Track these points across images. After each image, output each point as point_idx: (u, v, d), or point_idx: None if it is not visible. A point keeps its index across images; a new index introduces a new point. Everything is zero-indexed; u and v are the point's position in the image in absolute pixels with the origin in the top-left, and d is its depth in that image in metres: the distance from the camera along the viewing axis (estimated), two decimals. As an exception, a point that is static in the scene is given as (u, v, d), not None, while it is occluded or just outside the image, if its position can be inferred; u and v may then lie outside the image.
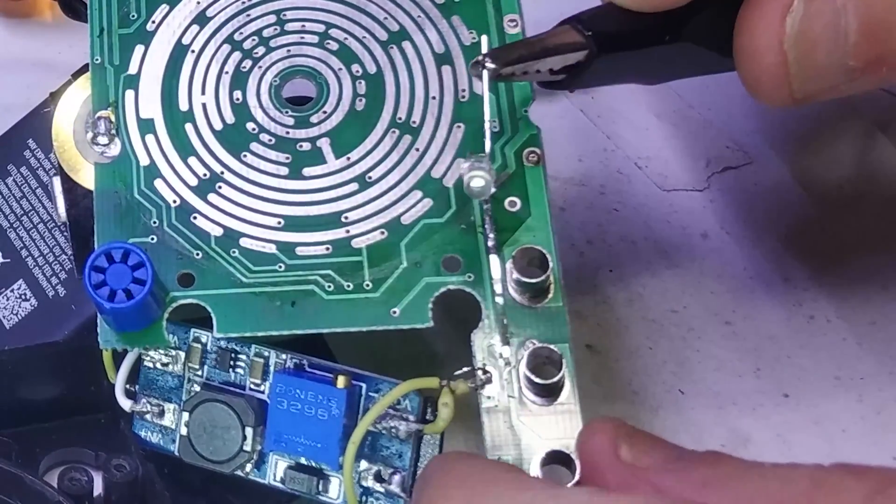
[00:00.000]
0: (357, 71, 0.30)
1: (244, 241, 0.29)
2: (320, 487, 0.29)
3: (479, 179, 0.27)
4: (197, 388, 0.30)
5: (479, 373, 0.27)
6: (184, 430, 0.30)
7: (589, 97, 0.45)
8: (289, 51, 0.31)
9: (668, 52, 0.29)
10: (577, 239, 0.41)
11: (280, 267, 0.28)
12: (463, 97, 0.29)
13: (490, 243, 0.27)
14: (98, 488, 0.30)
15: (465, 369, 0.27)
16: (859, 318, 0.40)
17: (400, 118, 0.29)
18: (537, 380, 0.26)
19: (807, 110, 0.46)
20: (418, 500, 0.23)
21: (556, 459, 0.26)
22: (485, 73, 0.27)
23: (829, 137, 0.46)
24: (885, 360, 0.38)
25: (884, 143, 0.45)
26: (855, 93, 0.28)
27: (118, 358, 0.30)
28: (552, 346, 0.27)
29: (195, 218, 0.29)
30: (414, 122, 0.29)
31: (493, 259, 0.27)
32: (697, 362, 0.38)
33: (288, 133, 0.30)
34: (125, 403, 0.30)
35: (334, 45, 0.30)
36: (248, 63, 0.30)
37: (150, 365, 0.30)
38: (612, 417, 0.24)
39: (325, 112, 0.30)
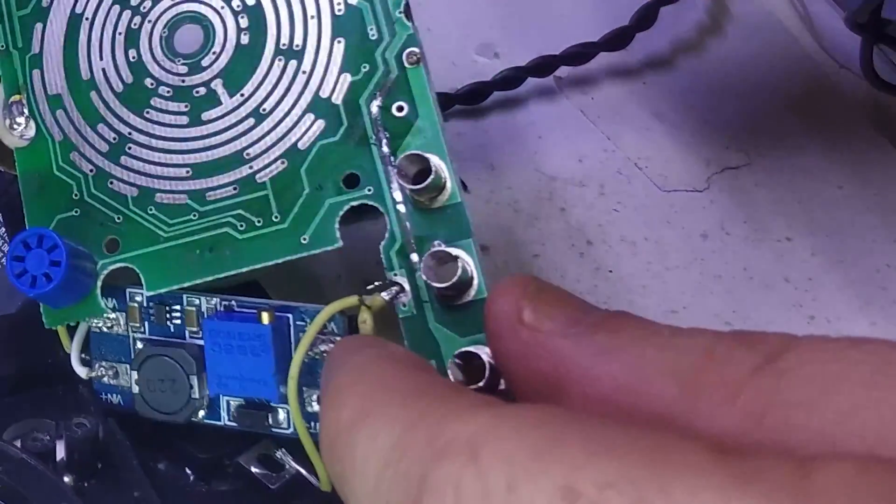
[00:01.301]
0: (237, 5, 0.29)
1: (158, 197, 0.28)
2: (270, 420, 0.29)
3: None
4: (140, 345, 0.30)
5: (392, 284, 0.26)
6: (136, 388, 0.29)
7: (589, 98, 0.44)
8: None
9: None
10: (577, 239, 0.40)
11: (194, 216, 0.28)
12: (339, 10, 0.28)
13: (385, 152, 0.27)
14: (61, 450, 0.30)
15: (377, 283, 0.26)
16: (859, 318, 0.38)
17: (283, 44, 0.28)
18: (438, 285, 0.25)
19: (806, 111, 0.45)
20: (322, 394, 0.21)
21: (466, 360, 0.24)
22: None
23: (829, 137, 0.44)
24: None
25: (884, 143, 0.44)
26: None
27: (72, 328, 0.30)
28: (446, 248, 0.26)
29: (111, 183, 0.29)
30: (297, 46, 0.28)
31: (391, 169, 0.27)
32: (697, 362, 0.37)
33: (183, 81, 0.29)
34: (81, 371, 0.30)
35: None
36: (137, 20, 0.30)
37: (97, 329, 0.30)
38: (523, 275, 0.21)
39: (214, 53, 0.29)
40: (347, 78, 0.27)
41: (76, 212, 0.29)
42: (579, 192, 0.42)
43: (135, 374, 0.29)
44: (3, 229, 0.34)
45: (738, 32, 0.50)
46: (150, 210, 0.28)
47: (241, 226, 0.28)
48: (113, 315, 0.30)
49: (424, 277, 0.25)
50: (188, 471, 0.30)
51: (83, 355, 0.30)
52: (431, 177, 0.26)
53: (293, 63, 0.28)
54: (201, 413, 0.29)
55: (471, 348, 0.24)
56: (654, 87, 0.46)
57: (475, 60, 0.47)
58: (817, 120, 0.45)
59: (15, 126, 0.30)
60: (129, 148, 0.29)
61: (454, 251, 0.26)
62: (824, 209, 0.42)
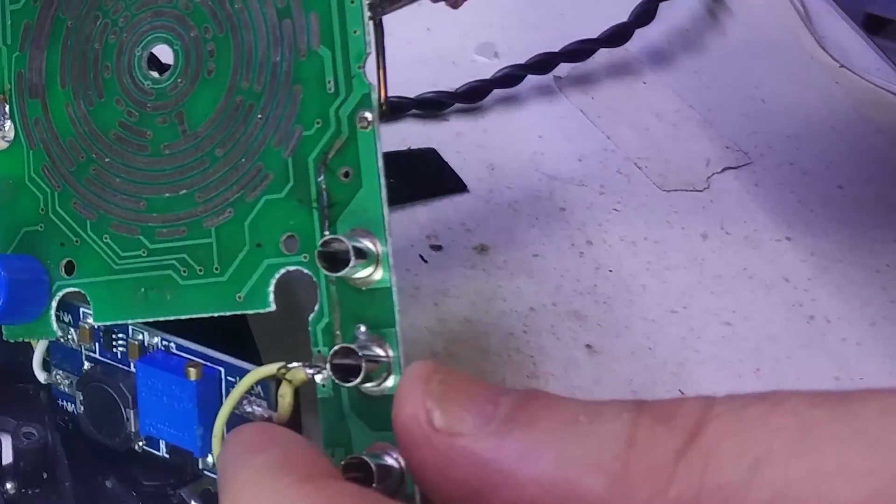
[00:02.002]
0: (208, 33, 0.27)
1: (114, 226, 0.27)
2: (200, 464, 0.28)
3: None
4: (88, 365, 0.29)
5: (317, 362, 0.24)
6: (80, 408, 0.29)
7: (589, 97, 0.44)
8: (150, 16, 0.28)
9: None
10: (577, 239, 0.40)
11: (143, 252, 0.27)
12: (302, 55, 0.25)
13: (324, 220, 0.25)
14: (8, 454, 0.29)
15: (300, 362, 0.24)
16: (859, 318, 0.38)
17: (244, 84, 0.26)
18: (342, 384, 0.23)
19: (806, 111, 0.45)
20: (220, 495, 0.20)
21: (354, 468, 0.22)
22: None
23: (829, 137, 0.44)
24: (885, 360, 0.36)
25: (883, 142, 0.43)
26: None
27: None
28: (352, 345, 0.23)
29: (75, 204, 0.27)
30: (257, 88, 0.26)
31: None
32: (697, 362, 0.36)
33: (149, 107, 0.27)
34: (41, 376, 0.30)
35: (189, 6, 0.27)
36: (115, 32, 0.28)
37: (55, 340, 0.29)
38: (424, 367, 0.19)
39: (180, 81, 0.27)
40: (300, 131, 0.25)
41: (41, 227, 0.28)
42: (579, 191, 0.41)
43: (79, 395, 0.28)
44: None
45: (738, 31, 0.49)
46: (106, 238, 0.27)
47: (184, 271, 0.26)
48: (68, 330, 0.29)
49: (330, 374, 0.23)
50: (133, 493, 0.29)
51: (47, 358, 0.30)
52: (347, 269, 0.23)
53: (251, 105, 0.26)
54: (140, 443, 0.28)
55: (367, 453, 0.22)
56: (653, 86, 0.46)
57: (475, 60, 0.46)
58: (817, 120, 0.44)
59: (-4, 127, 0.27)
60: (94, 169, 0.27)
61: (369, 347, 0.23)
62: (824, 209, 0.41)
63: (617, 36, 0.46)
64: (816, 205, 0.41)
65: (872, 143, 0.44)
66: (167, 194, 0.27)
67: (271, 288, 0.25)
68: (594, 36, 0.45)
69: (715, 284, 0.38)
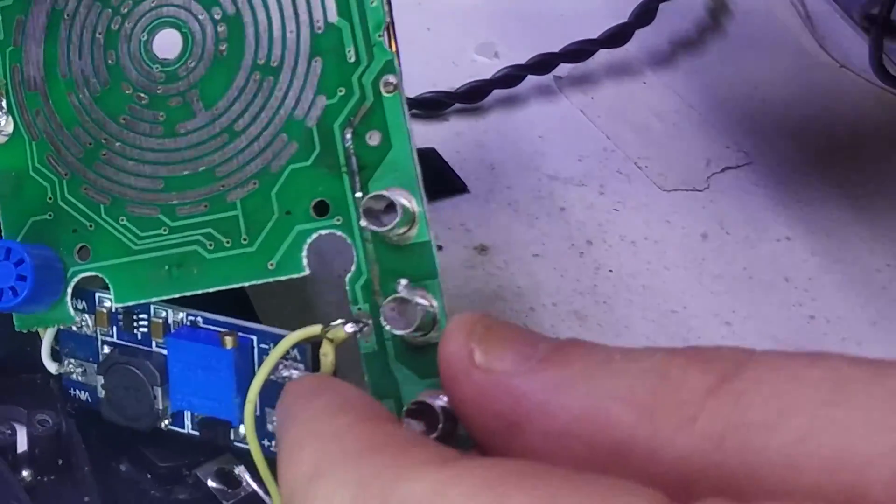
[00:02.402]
0: (217, 14, 0.27)
1: (130, 208, 0.27)
2: (232, 435, 0.28)
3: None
4: (107, 349, 0.29)
5: (357, 318, 0.25)
6: (101, 392, 0.29)
7: (589, 97, 0.44)
8: (154, 2, 0.28)
9: None
10: (577, 239, 0.40)
11: (164, 230, 0.27)
12: (318, 28, 0.26)
13: (355, 183, 0.25)
14: (23, 442, 0.29)
15: (342, 320, 0.25)
16: (859, 318, 0.38)
17: (261, 59, 0.26)
18: (398, 332, 0.24)
19: (806, 111, 0.45)
20: (278, 446, 0.21)
21: (416, 413, 0.22)
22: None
23: (829, 137, 0.44)
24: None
25: (883, 142, 0.44)
26: None
27: (45, 321, 0.29)
28: (406, 295, 0.24)
29: (86, 189, 0.27)
30: (274, 62, 0.26)
31: (359, 199, 0.25)
32: (697, 362, 0.36)
33: (159, 90, 0.27)
34: (51, 366, 0.29)
35: (195, -11, 0.27)
36: (117, 20, 0.28)
37: (66, 328, 0.29)
38: (471, 315, 0.20)
39: (191, 62, 0.27)
40: (323, 100, 0.25)
41: (50, 215, 0.28)
42: (579, 191, 0.41)
43: (101, 379, 0.28)
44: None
45: (738, 31, 0.49)
46: (122, 220, 0.27)
47: (210, 245, 0.26)
48: (84, 316, 0.29)
49: (385, 323, 0.24)
50: (148, 475, 0.30)
51: (56, 347, 0.29)
52: (397, 219, 0.24)
53: (269, 80, 0.26)
54: (165, 421, 0.28)
55: (423, 398, 0.22)
56: (654, 86, 0.46)
57: (475, 60, 0.46)
58: (817, 119, 0.44)
59: (-7, 122, 0.28)
60: (104, 154, 0.27)
61: (415, 298, 0.24)
62: (824, 209, 0.41)
63: (617, 36, 0.46)
64: (816, 205, 0.41)
65: (872, 142, 0.44)
66: (186, 172, 0.27)
67: (304, 253, 0.26)
68: (594, 36, 0.45)
69: (715, 284, 0.38)
